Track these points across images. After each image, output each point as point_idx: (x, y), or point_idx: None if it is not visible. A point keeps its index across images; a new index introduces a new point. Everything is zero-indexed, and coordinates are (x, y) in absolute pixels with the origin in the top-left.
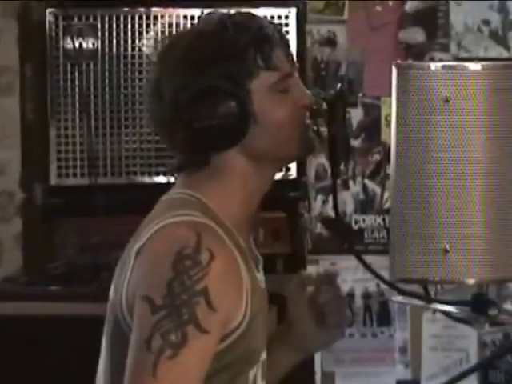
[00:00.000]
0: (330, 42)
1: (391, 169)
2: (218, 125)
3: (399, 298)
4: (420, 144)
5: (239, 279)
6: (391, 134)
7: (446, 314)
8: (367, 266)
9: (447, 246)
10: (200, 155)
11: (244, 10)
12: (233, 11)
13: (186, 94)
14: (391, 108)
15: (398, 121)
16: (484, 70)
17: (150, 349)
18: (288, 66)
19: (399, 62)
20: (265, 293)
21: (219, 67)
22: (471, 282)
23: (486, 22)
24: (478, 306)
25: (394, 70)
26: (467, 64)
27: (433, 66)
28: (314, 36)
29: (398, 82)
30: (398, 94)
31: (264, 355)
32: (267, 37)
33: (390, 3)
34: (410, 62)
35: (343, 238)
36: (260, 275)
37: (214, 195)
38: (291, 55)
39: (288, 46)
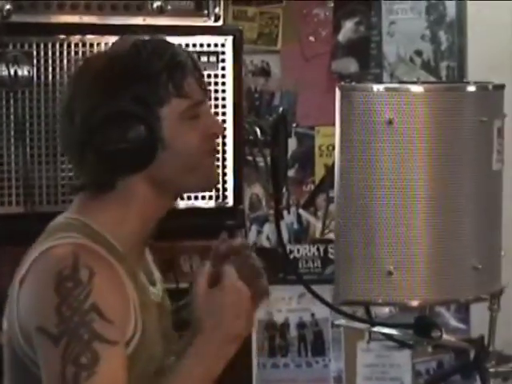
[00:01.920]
0: (264, 72)
1: (335, 191)
2: (126, 149)
3: (342, 322)
4: (363, 166)
5: (124, 293)
6: (335, 157)
7: (389, 337)
8: (312, 291)
9: (391, 268)
10: (106, 178)
11: (179, 37)
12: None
13: (96, 117)
14: (336, 130)
15: (341, 143)
16: (426, 92)
17: (66, 379)
18: (199, 94)
19: (343, 83)
20: (163, 305)
21: (131, 91)
22: (415, 303)
23: (418, 53)
24: (421, 329)
25: (338, 92)
26: (410, 86)
27: (375, 87)
28: (247, 66)
29: (342, 104)
30: (341, 116)
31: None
32: (180, 64)
33: (323, 34)
34: (353, 84)
35: (286, 265)
36: (155, 289)
37: (106, 219)
38: (203, 83)
39: (201, 74)
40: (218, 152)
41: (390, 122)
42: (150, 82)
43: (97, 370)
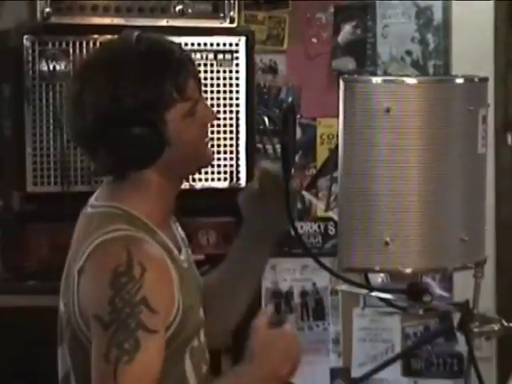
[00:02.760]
0: (272, 69)
1: (338, 171)
2: (136, 149)
3: (343, 287)
4: (364, 149)
5: (170, 280)
6: (339, 141)
7: (385, 300)
8: (318, 260)
9: (387, 239)
10: (118, 172)
11: (198, 37)
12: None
13: (109, 119)
14: (339, 117)
15: (344, 128)
16: (420, 84)
17: (109, 360)
18: (197, 92)
19: (346, 76)
20: (190, 270)
21: (139, 98)
22: (408, 271)
23: (409, 53)
24: (413, 294)
25: (342, 84)
26: (405, 78)
27: (374, 79)
28: (257, 64)
29: (345, 94)
30: (344, 104)
31: (201, 315)
32: (183, 69)
33: (324, 36)
34: (355, 76)
35: (297, 241)
36: (183, 256)
37: (137, 204)
38: (199, 79)
39: (197, 73)
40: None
41: (388, 110)
42: (157, 89)
43: (136, 356)
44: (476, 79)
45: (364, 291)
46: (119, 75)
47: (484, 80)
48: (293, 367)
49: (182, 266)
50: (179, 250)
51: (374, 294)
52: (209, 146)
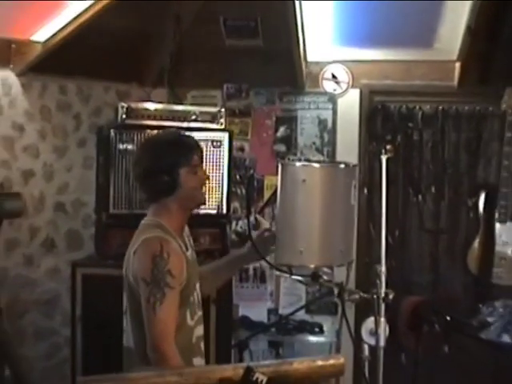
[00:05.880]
0: (241, 149)
1: (277, 208)
2: (163, 186)
3: (277, 273)
4: (290, 199)
5: (182, 262)
6: (278, 196)
7: (299, 280)
8: (261, 255)
9: (302, 249)
10: (153, 199)
11: (204, 133)
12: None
13: (151, 171)
14: (278, 183)
15: (281, 188)
16: (321, 167)
17: (149, 302)
18: (198, 161)
19: (282, 161)
20: (193, 258)
21: (167, 162)
22: (312, 266)
23: (314, 143)
24: (314, 277)
25: (280, 164)
26: (313, 164)
27: (298, 163)
28: (234, 146)
29: (282, 170)
30: (281, 176)
31: (196, 287)
32: (191, 150)
33: (270, 132)
34: (286, 160)
35: (251, 241)
36: (189, 252)
37: (164, 219)
38: (201, 155)
39: (200, 150)
40: (205, 185)
41: (304, 180)
42: (176, 158)
43: (163, 301)
44: (351, 165)
45: (287, 275)
46: (158, 150)
47: (355, 165)
48: None
49: (188, 257)
50: (187, 249)
51: (293, 277)
52: (204, 194)
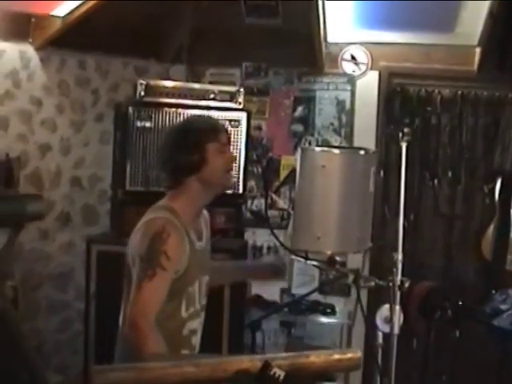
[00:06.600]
0: (259, 128)
1: (295, 197)
2: (188, 162)
3: (294, 257)
4: (310, 186)
5: (184, 245)
6: (297, 182)
7: (315, 265)
8: (275, 236)
9: (319, 234)
10: (179, 178)
11: (222, 112)
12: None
13: (177, 146)
14: (296, 167)
15: (300, 174)
16: (341, 153)
17: (139, 278)
18: (227, 141)
19: (302, 146)
20: (204, 249)
21: (195, 137)
22: (329, 252)
23: (332, 124)
24: (330, 263)
25: (300, 150)
26: (333, 149)
27: (317, 149)
28: (251, 125)
29: (301, 156)
30: (300, 162)
31: (199, 280)
32: (219, 129)
33: (288, 111)
34: (306, 146)
35: (264, 221)
36: (200, 242)
37: (179, 204)
38: (228, 136)
39: (227, 132)
40: (232, 170)
41: (323, 166)
42: (204, 134)
43: (153, 279)
44: (371, 151)
45: (303, 260)
46: (187, 126)
47: (375, 152)
48: None
49: (196, 247)
50: (199, 240)
51: (308, 262)
52: (231, 177)
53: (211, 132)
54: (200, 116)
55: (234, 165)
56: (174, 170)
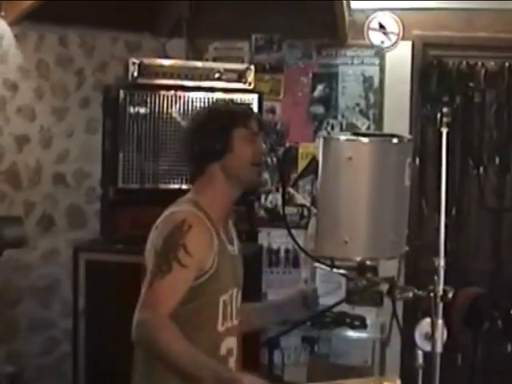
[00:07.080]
0: (272, 111)
1: (318, 196)
2: (211, 146)
3: (317, 264)
4: (334, 182)
5: (210, 241)
6: (319, 176)
7: (342, 274)
8: (294, 239)
9: (347, 239)
10: (201, 165)
11: (229, 94)
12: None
13: (200, 130)
14: (318, 156)
15: (323, 168)
16: (370, 142)
17: (153, 272)
18: (257, 130)
19: (325, 135)
20: (236, 257)
21: (221, 121)
22: (358, 258)
23: (358, 104)
24: (361, 271)
25: (321, 140)
26: (361, 138)
27: (341, 137)
28: (264, 107)
29: (324, 146)
30: (323, 153)
31: (233, 291)
32: (250, 115)
33: (306, 91)
34: (330, 135)
35: (280, 219)
36: (232, 247)
37: (204, 198)
38: (260, 125)
39: (259, 120)
40: (261, 166)
41: (350, 158)
42: (231, 118)
43: (168, 275)
44: (406, 139)
45: (328, 268)
46: (212, 112)
47: (410, 140)
48: None
49: (227, 249)
50: (231, 242)
51: (334, 270)
52: (257, 172)
53: (241, 116)
54: (231, 99)
55: (264, 158)
56: (196, 155)
